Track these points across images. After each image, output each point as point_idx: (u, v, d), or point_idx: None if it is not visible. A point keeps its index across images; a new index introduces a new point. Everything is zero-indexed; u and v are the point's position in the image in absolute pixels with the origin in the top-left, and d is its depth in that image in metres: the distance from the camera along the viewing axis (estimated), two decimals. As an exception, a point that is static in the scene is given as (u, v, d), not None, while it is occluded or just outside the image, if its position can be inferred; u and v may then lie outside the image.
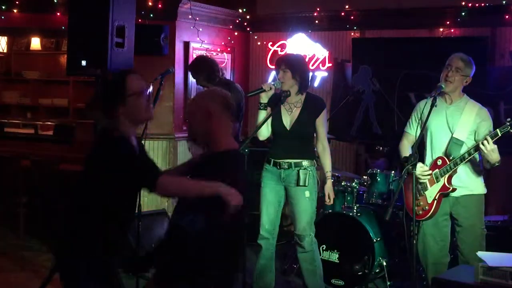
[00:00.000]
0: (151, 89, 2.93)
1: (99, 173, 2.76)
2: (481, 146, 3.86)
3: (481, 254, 3.51)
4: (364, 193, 5.27)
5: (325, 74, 6.64)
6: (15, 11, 6.41)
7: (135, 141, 2.88)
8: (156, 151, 6.14)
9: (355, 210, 5.02)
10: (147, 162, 2.82)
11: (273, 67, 6.62)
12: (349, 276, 4.90)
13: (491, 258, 3.37)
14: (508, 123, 3.80)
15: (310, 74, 6.14)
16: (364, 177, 5.32)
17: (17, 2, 6.34)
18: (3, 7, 6.37)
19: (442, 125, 4.15)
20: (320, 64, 6.63)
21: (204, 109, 2.85)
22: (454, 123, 4.11)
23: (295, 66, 4.34)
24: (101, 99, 2.89)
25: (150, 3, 5.93)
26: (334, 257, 4.99)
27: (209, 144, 2.88)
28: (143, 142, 4.28)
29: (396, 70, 5.88)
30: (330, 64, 6.60)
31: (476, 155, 4.02)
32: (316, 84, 6.59)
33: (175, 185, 2.82)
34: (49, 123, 7.35)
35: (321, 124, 4.45)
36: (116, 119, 2.82)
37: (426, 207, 4.18)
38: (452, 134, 4.10)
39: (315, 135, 4.49)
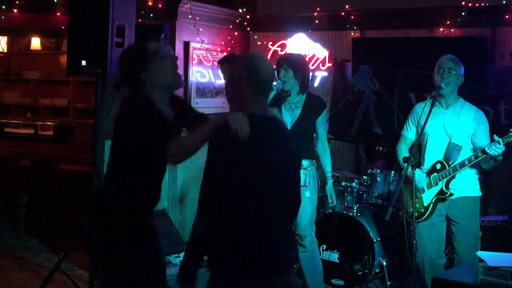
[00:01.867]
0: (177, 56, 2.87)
1: (128, 135, 2.78)
2: (487, 150, 3.88)
3: (481, 254, 3.51)
4: (364, 193, 5.27)
5: (325, 74, 6.64)
6: (15, 11, 6.40)
7: (165, 108, 2.82)
8: (156, 151, 6.13)
9: (355, 210, 5.03)
10: (166, 130, 2.76)
11: (273, 67, 6.62)
12: (349, 276, 4.91)
13: (491, 258, 3.37)
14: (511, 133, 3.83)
15: (310, 74, 6.16)
16: (364, 177, 5.32)
17: (17, 2, 6.34)
18: (3, 7, 6.36)
19: (439, 130, 4.18)
20: (320, 64, 6.62)
21: (235, 70, 2.66)
22: (452, 128, 4.13)
23: (297, 66, 4.34)
24: (122, 68, 2.84)
25: (150, 3, 5.93)
26: (334, 257, 4.99)
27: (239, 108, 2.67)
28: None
29: (396, 70, 5.87)
30: (330, 64, 6.60)
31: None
32: (316, 84, 6.58)
33: (179, 146, 2.74)
34: (49, 123, 7.36)
35: (322, 124, 4.45)
36: (140, 87, 2.77)
37: (422, 210, 4.20)
38: (450, 139, 4.12)
39: (315, 135, 4.49)
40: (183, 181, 6.29)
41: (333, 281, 4.95)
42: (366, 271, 4.81)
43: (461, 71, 4.16)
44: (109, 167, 2.97)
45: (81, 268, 5.09)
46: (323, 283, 4.58)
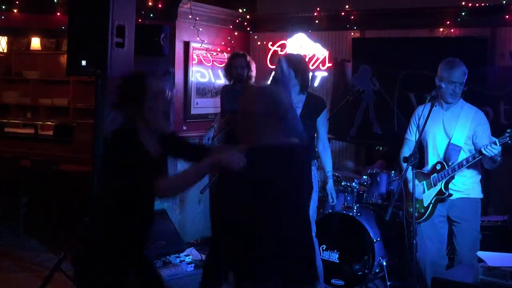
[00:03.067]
0: (172, 96, 2.89)
1: (113, 172, 2.79)
2: (483, 151, 3.88)
3: (481, 254, 3.52)
4: (364, 193, 5.27)
5: (325, 74, 6.64)
6: (15, 11, 6.41)
7: (153, 146, 2.85)
8: (156, 151, 6.13)
9: (355, 210, 5.03)
10: (151, 170, 2.78)
11: (274, 66, 6.63)
12: (349, 276, 4.91)
13: (491, 258, 3.37)
14: (508, 134, 3.83)
15: (310, 74, 6.17)
16: (364, 177, 5.32)
17: (17, 2, 6.34)
18: (3, 7, 6.36)
19: (439, 131, 4.19)
20: (320, 64, 6.63)
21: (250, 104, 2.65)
22: (451, 129, 4.13)
23: (298, 66, 4.35)
24: (118, 97, 2.83)
25: (150, 3, 5.93)
26: (334, 257, 4.99)
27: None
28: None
29: (396, 70, 5.87)
30: (330, 64, 6.60)
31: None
32: (316, 84, 6.58)
33: (171, 183, 2.79)
34: (49, 123, 7.35)
35: (322, 123, 4.45)
36: (131, 120, 2.79)
37: (422, 210, 4.21)
38: (450, 140, 4.12)
39: (315, 135, 4.49)
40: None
41: (333, 281, 4.95)
42: (366, 271, 4.81)
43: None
44: (96, 201, 2.99)
45: (81, 268, 5.08)
46: (323, 283, 4.58)
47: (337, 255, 4.98)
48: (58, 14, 6.21)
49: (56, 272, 4.55)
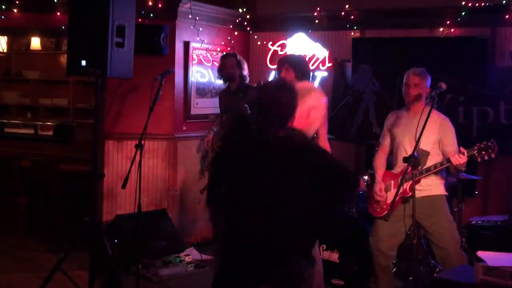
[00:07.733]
0: None
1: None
2: (452, 159, 4.08)
3: (481, 254, 3.52)
4: (364, 193, 5.27)
5: (325, 74, 6.64)
6: (15, 11, 6.41)
7: None
8: (156, 151, 6.14)
9: (355, 210, 5.02)
10: None
11: (274, 66, 6.63)
12: (349, 276, 4.90)
13: (491, 258, 3.37)
14: (477, 148, 4.04)
15: (311, 74, 6.16)
16: (364, 177, 5.31)
17: (17, 2, 6.34)
18: (3, 7, 6.37)
19: (408, 136, 4.33)
20: (320, 64, 6.63)
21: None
22: (420, 134, 4.20)
23: (298, 66, 4.36)
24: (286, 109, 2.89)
25: (150, 3, 5.93)
26: (334, 257, 4.99)
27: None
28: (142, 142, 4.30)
29: (396, 70, 5.87)
30: (330, 64, 6.60)
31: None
32: (316, 84, 6.58)
33: None
34: (49, 123, 7.35)
35: (323, 124, 4.45)
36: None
37: (384, 206, 4.38)
38: (418, 145, 4.18)
39: (316, 135, 4.48)
40: (183, 181, 6.29)
41: (333, 281, 4.95)
42: (366, 271, 4.81)
43: (427, 83, 4.32)
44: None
45: (81, 268, 5.07)
46: (323, 283, 4.57)
47: (337, 255, 4.98)
48: (58, 14, 6.22)
49: (56, 272, 4.55)
